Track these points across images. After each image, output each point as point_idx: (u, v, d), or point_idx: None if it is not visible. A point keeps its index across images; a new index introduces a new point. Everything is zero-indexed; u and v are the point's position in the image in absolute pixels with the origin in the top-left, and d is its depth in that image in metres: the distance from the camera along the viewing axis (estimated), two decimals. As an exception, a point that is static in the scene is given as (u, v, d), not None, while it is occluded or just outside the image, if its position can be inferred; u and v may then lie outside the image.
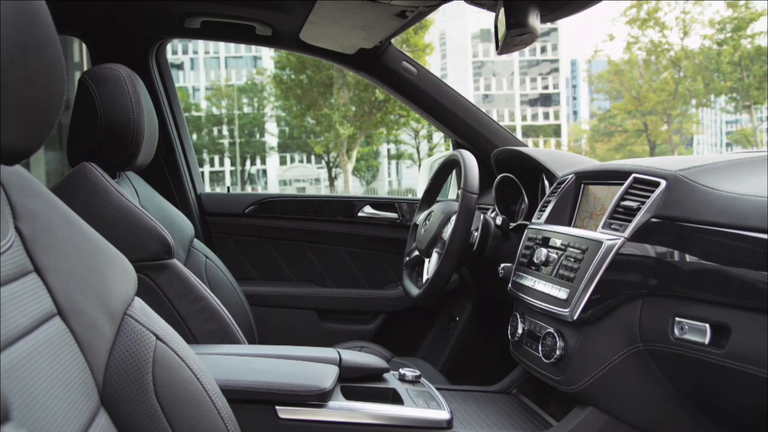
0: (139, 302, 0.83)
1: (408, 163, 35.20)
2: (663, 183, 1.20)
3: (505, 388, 1.62)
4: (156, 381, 0.78)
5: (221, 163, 39.06)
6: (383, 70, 2.20)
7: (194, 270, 1.75)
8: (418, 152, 31.52)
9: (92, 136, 1.45)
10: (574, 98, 67.79)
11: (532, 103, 52.23)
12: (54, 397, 0.63)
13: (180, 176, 2.29)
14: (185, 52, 44.67)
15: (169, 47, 2.35)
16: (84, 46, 2.19)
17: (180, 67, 44.10)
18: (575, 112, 66.12)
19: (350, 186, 28.57)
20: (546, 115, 51.54)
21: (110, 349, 0.75)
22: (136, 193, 1.66)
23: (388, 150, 38.63)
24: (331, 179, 31.65)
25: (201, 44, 43.54)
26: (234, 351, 1.34)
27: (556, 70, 53.36)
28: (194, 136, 33.55)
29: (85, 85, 1.46)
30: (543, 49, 53.02)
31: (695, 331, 1.07)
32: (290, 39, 2.14)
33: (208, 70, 45.22)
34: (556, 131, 49.27)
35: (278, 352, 1.31)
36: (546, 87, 52.55)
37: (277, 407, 1.17)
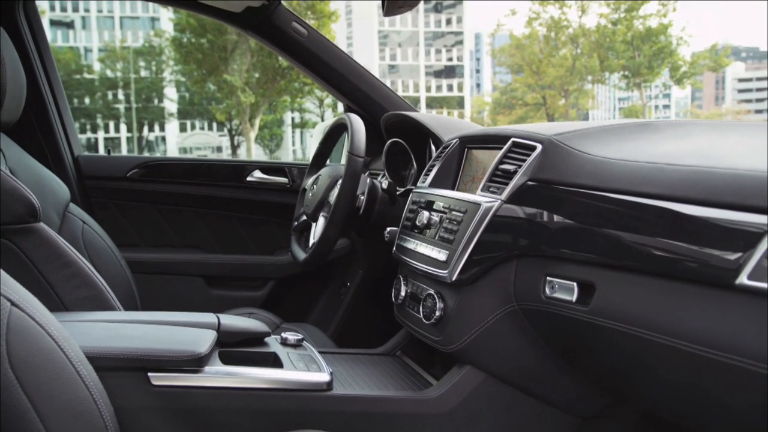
0: None
1: (313, 131, 34.90)
2: (539, 147, 1.23)
3: (389, 351, 1.63)
4: (10, 350, 0.72)
5: (117, 130, 37.32)
6: (272, 30, 2.13)
7: (69, 236, 1.65)
8: (323, 121, 31.30)
9: None
10: (478, 71, 69.11)
11: (437, 74, 52.76)
12: None
13: (54, 137, 2.16)
14: (75, 9, 41.75)
15: (57, 4, 2.20)
16: None
17: (70, 25, 41.27)
18: (478, 85, 67.50)
19: (253, 154, 28.09)
20: (450, 87, 52.24)
21: None
22: (2, 155, 1.55)
23: (293, 118, 38.12)
24: (234, 147, 30.98)
25: (93, 1, 41.08)
26: (105, 318, 1.28)
27: (461, 42, 54.04)
28: (87, 100, 31.90)
29: None
30: (448, 22, 53.55)
31: (564, 290, 1.11)
32: None
33: (101, 30, 42.55)
34: (460, 103, 50.08)
35: (153, 318, 1.26)
36: (450, 59, 53.16)
37: (149, 374, 1.12)
